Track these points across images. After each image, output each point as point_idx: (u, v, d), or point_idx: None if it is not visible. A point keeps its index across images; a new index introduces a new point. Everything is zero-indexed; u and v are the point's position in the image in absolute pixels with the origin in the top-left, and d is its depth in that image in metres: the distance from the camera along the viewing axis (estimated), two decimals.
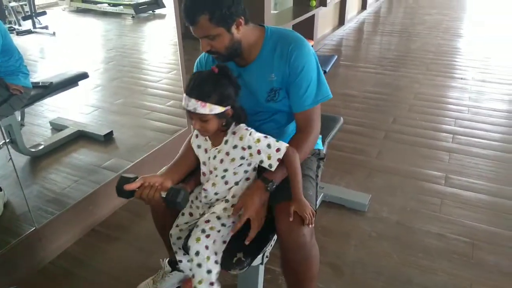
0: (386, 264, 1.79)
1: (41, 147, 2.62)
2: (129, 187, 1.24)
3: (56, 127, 2.94)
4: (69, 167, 2.54)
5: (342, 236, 1.97)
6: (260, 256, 1.38)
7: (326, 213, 2.12)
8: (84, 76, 2.75)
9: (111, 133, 2.80)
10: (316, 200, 1.37)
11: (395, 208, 2.16)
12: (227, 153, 1.28)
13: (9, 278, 1.67)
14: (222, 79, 1.20)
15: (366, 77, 4.16)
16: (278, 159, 1.25)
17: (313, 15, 4.56)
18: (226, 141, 1.28)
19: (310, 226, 1.20)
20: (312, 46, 3.77)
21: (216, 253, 1.24)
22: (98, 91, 3.63)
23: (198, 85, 1.18)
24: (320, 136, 1.60)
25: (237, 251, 1.26)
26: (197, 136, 1.35)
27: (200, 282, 1.24)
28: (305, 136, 1.34)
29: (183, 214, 1.37)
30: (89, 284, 1.73)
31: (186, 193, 1.21)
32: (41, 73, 3.44)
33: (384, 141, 2.86)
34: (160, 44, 4.61)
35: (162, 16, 5.22)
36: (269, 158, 1.24)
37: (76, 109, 3.25)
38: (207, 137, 1.31)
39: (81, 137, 2.80)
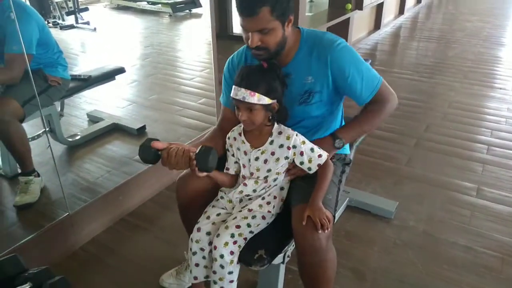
0: (410, 273, 1.76)
1: (78, 137, 2.73)
2: (156, 144, 1.21)
3: (93, 119, 3.06)
4: (103, 157, 2.64)
5: (366, 242, 1.95)
6: (281, 255, 1.40)
7: (351, 218, 2.10)
8: (121, 71, 2.85)
9: (143, 127, 2.89)
10: (336, 205, 1.35)
11: (422, 217, 2.12)
12: (273, 153, 1.30)
13: (42, 260, 1.75)
14: (271, 73, 1.24)
15: (401, 83, 4.08)
16: (319, 165, 1.29)
17: (348, 19, 4.52)
18: (272, 141, 1.30)
19: (325, 231, 1.19)
20: None
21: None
22: (134, 86, 3.75)
23: (248, 76, 1.21)
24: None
25: (259, 248, 1.28)
26: (235, 138, 1.37)
27: (221, 279, 1.29)
28: (376, 110, 1.38)
29: (213, 206, 1.40)
30: (115, 271, 1.79)
31: (216, 152, 1.19)
32: (81, 67, 3.61)
33: (415, 149, 2.80)
34: (195, 42, 4.71)
35: (198, 16, 5.33)
36: (310, 161, 1.29)
37: (112, 102, 3.37)
38: (244, 140, 1.33)
39: (116, 130, 2.90)
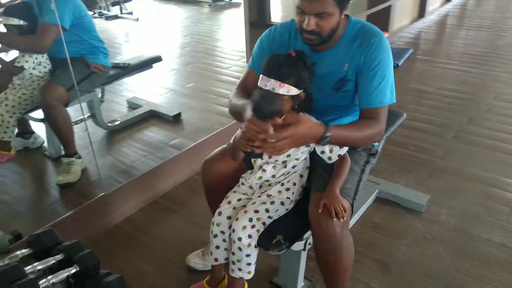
0: (437, 268, 1.72)
1: (117, 122, 2.86)
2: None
3: (132, 105, 3.19)
4: (140, 142, 2.75)
5: (394, 235, 1.91)
6: (302, 242, 1.42)
7: (380, 210, 2.07)
8: (157, 59, 2.94)
9: (179, 114, 2.98)
10: (355, 195, 1.34)
11: (455, 211, 2.04)
12: None
13: (80, 236, 1.87)
14: (299, 63, 1.23)
15: (444, 74, 3.91)
16: (339, 155, 1.29)
17: (390, 6, 4.37)
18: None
19: (340, 220, 1.19)
20: (387, 38, 3.65)
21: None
22: (173, 75, 3.86)
23: (278, 66, 1.21)
24: None
25: (278, 233, 1.30)
26: None
27: (238, 260, 1.33)
28: (371, 124, 1.30)
29: (234, 192, 1.43)
30: (145, 249, 1.88)
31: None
32: (124, 55, 3.75)
33: (453, 142, 2.69)
34: (233, 32, 4.74)
35: (237, 5, 5.34)
36: (331, 151, 1.29)
37: (151, 90, 3.49)
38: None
39: (153, 116, 3.02)
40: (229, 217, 1.36)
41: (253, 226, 1.30)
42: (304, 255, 1.53)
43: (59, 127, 2.24)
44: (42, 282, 1.10)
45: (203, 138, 2.49)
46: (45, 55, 2.19)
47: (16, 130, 2.41)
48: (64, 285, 1.20)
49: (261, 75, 1.22)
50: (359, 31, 1.31)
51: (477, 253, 1.79)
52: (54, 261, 1.21)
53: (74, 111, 2.57)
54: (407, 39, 4.97)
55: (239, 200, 1.39)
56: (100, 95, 2.72)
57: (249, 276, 1.38)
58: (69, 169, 2.24)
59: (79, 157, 2.33)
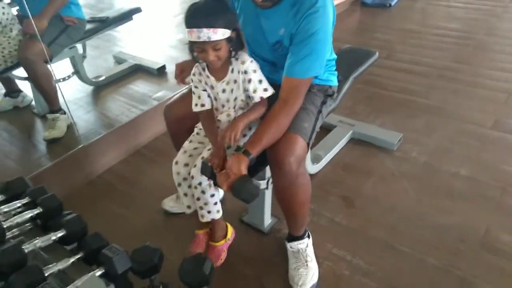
0: (401, 203, 1.78)
1: (102, 78, 2.89)
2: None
3: (118, 60, 3.21)
4: (125, 96, 2.79)
5: (362, 173, 1.97)
6: (264, 182, 1.48)
7: (351, 151, 2.11)
8: (137, 10, 2.90)
9: (163, 67, 2.99)
10: (312, 133, 1.37)
11: (428, 149, 2.07)
12: (235, 81, 1.31)
13: (64, 186, 1.98)
14: (221, 3, 1.20)
15: (436, 11, 3.78)
16: (261, 98, 1.29)
17: None
18: (233, 69, 1.30)
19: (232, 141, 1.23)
20: None
21: None
22: (162, 27, 3.81)
23: (205, 13, 1.17)
24: (336, 72, 1.57)
25: None
26: (200, 74, 1.35)
27: (206, 204, 1.39)
28: (287, 108, 1.27)
29: (190, 141, 1.46)
30: (125, 196, 1.97)
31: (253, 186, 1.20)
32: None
33: (436, 81, 2.66)
34: None
35: None
36: (254, 91, 1.28)
37: (138, 44, 3.48)
38: (208, 74, 1.33)
39: (138, 70, 3.03)
40: (186, 164, 1.40)
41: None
42: (268, 193, 1.59)
43: (41, 84, 2.28)
44: (6, 221, 1.20)
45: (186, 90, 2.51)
46: (10, 15, 2.19)
47: (3, 90, 2.49)
48: (32, 225, 1.30)
49: (188, 30, 1.18)
50: None
51: (442, 187, 1.84)
52: (19, 204, 1.30)
53: (60, 68, 2.64)
54: None
55: (195, 149, 1.42)
56: (81, 50, 2.74)
57: (219, 215, 1.43)
58: (54, 125, 2.31)
59: (64, 113, 2.39)
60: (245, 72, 1.28)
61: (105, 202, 1.95)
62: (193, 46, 1.22)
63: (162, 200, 1.86)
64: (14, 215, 1.28)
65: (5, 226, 1.19)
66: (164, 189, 1.97)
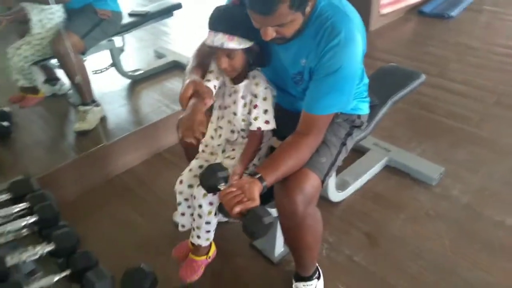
0: (431, 248, 1.59)
1: (140, 72, 2.88)
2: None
3: (158, 55, 3.19)
4: (159, 93, 2.76)
5: (393, 208, 1.78)
6: (274, 210, 1.36)
7: (384, 179, 1.93)
8: (178, 6, 2.84)
9: None
10: (329, 170, 1.24)
11: (471, 188, 1.85)
12: (243, 97, 1.23)
13: (82, 182, 1.96)
14: (245, 10, 1.08)
15: (501, 26, 3.42)
16: (259, 128, 1.22)
17: None
18: (246, 84, 1.23)
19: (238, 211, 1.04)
20: None
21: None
22: (200, 24, 3.75)
23: (224, 18, 1.11)
24: (367, 99, 1.41)
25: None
26: (211, 72, 1.27)
27: (198, 227, 1.31)
28: (309, 140, 1.16)
29: (196, 158, 1.38)
30: (140, 200, 1.92)
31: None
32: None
33: (492, 108, 2.39)
34: None
35: None
36: (255, 119, 1.21)
37: (180, 39, 3.45)
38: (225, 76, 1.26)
39: (176, 67, 2.99)
40: (190, 186, 1.32)
41: (214, 193, 1.25)
42: (278, 223, 1.47)
43: (73, 75, 2.29)
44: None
45: None
46: (59, 6, 2.20)
47: (43, 77, 2.54)
48: (29, 232, 1.26)
49: (209, 31, 1.11)
50: (323, 24, 1.08)
51: (481, 236, 1.62)
52: (17, 209, 1.27)
53: (98, 60, 2.65)
54: None
55: (200, 167, 1.34)
56: (120, 43, 2.73)
57: (207, 243, 1.35)
58: (84, 117, 2.31)
59: (97, 105, 2.38)
60: (255, 96, 1.20)
61: (119, 204, 1.91)
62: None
63: (174, 211, 1.79)
64: (14, 219, 1.25)
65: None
66: None
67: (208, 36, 1.12)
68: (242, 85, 1.23)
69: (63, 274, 1.12)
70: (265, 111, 1.21)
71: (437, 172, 1.88)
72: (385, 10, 3.56)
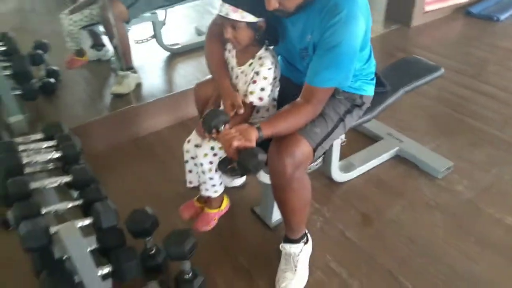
0: (424, 236, 1.62)
1: (178, 46, 3.04)
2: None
3: (198, 32, 3.34)
4: (192, 67, 2.92)
5: (394, 194, 1.82)
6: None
7: (392, 168, 1.96)
8: None
9: None
10: (323, 141, 1.31)
11: (479, 185, 1.85)
12: (246, 75, 1.33)
13: (110, 139, 2.15)
14: None
15: None
16: (251, 102, 1.31)
17: None
18: (251, 64, 1.32)
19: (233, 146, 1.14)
20: None
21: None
22: None
23: None
24: (373, 81, 1.46)
25: (234, 160, 1.36)
26: (229, 51, 1.40)
27: (204, 182, 1.46)
28: (309, 107, 1.24)
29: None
30: (161, 161, 2.08)
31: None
32: None
33: None
34: None
35: None
36: (251, 93, 1.30)
37: None
38: (233, 54, 1.36)
39: None
40: (196, 145, 1.45)
41: (215, 154, 1.38)
42: None
43: (117, 42, 2.48)
44: (26, 157, 1.35)
45: None
46: None
47: (91, 43, 2.76)
48: (54, 166, 1.45)
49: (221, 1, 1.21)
50: (328, 2, 1.15)
51: (477, 230, 1.64)
52: (46, 145, 1.45)
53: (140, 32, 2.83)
54: None
55: None
56: (163, 17, 2.89)
57: (216, 195, 1.50)
58: (121, 81, 2.51)
59: (134, 72, 2.57)
60: (257, 73, 1.29)
61: (141, 162, 2.09)
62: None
63: None
64: (42, 153, 1.43)
65: (27, 161, 1.34)
66: None
67: (219, 5, 1.22)
68: (247, 67, 1.33)
69: (76, 202, 1.29)
70: (262, 89, 1.30)
71: (444, 165, 1.89)
72: (430, 7, 3.50)
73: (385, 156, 1.97)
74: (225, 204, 1.58)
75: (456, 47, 3.13)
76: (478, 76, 2.68)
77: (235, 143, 1.13)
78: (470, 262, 1.51)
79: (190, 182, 1.57)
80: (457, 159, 1.96)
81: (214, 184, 1.45)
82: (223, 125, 1.20)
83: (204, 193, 1.50)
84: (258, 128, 1.19)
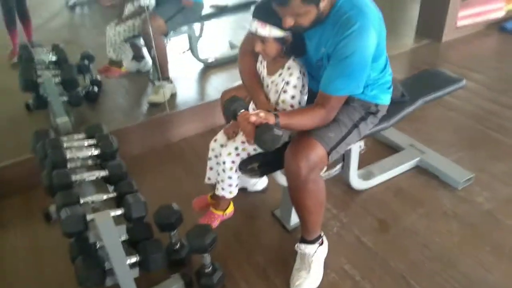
0: (439, 243, 1.65)
1: (212, 60, 3.21)
2: None
3: (232, 46, 3.50)
4: (225, 79, 3.07)
5: (412, 203, 1.86)
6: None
7: (412, 178, 2.00)
8: (253, 2, 3.11)
9: None
10: (336, 146, 1.38)
11: (499, 197, 1.85)
12: (277, 84, 1.42)
13: (144, 142, 2.32)
14: None
15: None
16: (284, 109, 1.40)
17: None
18: (280, 74, 1.42)
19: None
20: None
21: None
22: None
23: (262, 8, 1.30)
24: (390, 90, 1.53)
25: (255, 162, 1.47)
26: (261, 62, 1.51)
27: (222, 180, 1.55)
28: (323, 112, 1.32)
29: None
30: (191, 165, 2.22)
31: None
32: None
33: None
34: None
35: None
36: (283, 102, 1.40)
37: None
38: (264, 65, 1.47)
39: None
40: (222, 145, 1.56)
41: (237, 154, 1.49)
42: None
43: (155, 53, 2.67)
44: (70, 153, 1.51)
45: None
46: None
47: (131, 55, 2.98)
48: (91, 162, 1.60)
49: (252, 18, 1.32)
50: (341, 18, 1.24)
51: (494, 240, 1.65)
52: (87, 143, 1.62)
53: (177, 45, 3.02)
54: None
55: (233, 132, 1.56)
56: (198, 31, 3.07)
57: (231, 196, 1.58)
58: (157, 91, 2.68)
59: (170, 82, 2.75)
60: (287, 83, 1.38)
61: (172, 165, 2.23)
62: None
63: None
64: (84, 150, 1.60)
65: (70, 157, 1.51)
66: None
67: (250, 23, 1.33)
68: (277, 77, 1.42)
69: (111, 195, 1.44)
70: (292, 97, 1.39)
71: (465, 177, 1.91)
72: (462, 22, 3.50)
73: (405, 166, 2.01)
74: (230, 210, 1.67)
75: (486, 62, 3.12)
76: (506, 92, 2.67)
77: (253, 118, 1.21)
78: (485, 271, 1.53)
79: (209, 179, 1.68)
80: (479, 171, 1.98)
81: (231, 184, 1.55)
82: (242, 110, 1.29)
83: (219, 192, 1.58)
84: (276, 115, 1.27)
